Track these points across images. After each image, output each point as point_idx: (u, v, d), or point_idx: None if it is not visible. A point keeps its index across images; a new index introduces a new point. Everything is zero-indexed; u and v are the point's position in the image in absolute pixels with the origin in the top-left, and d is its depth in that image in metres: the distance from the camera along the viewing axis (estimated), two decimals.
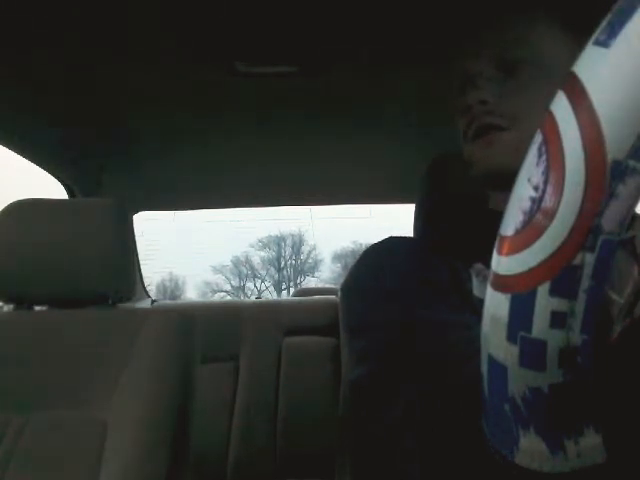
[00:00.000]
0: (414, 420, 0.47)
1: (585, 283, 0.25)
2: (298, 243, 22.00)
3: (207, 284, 21.18)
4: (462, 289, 0.53)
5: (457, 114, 0.60)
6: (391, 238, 0.66)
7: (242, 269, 21.70)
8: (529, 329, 0.26)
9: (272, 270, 21.78)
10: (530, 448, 0.29)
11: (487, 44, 0.57)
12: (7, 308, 1.08)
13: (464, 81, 0.59)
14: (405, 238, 0.67)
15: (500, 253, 0.28)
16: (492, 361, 0.29)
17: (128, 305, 1.24)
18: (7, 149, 1.20)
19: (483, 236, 0.40)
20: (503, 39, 0.57)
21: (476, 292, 0.52)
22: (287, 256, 22.01)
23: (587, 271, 0.25)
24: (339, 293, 1.51)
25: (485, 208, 0.64)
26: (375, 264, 0.60)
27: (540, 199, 0.25)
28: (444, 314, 0.50)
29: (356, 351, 0.57)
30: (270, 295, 20.28)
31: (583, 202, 0.24)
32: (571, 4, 0.57)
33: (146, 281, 2.17)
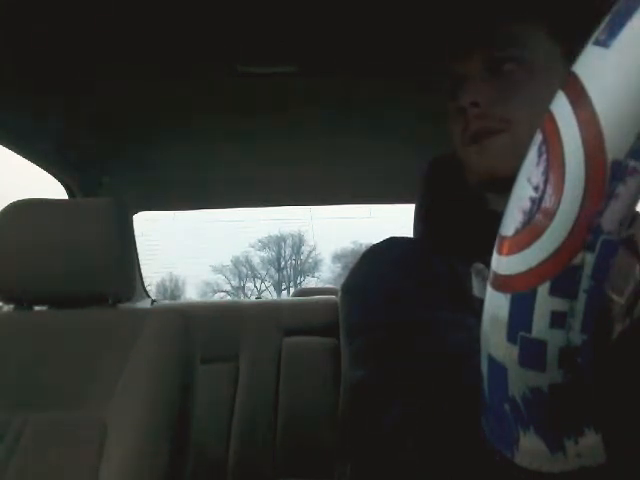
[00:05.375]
0: (413, 421, 0.47)
1: (585, 283, 0.25)
2: (298, 243, 22.00)
3: (207, 284, 21.19)
4: (462, 289, 0.53)
5: (450, 116, 0.60)
6: (391, 239, 0.65)
7: (242, 269, 21.71)
8: (529, 329, 0.26)
9: (272, 270, 21.79)
10: (530, 448, 0.29)
11: (475, 44, 0.57)
12: (7, 308, 1.09)
13: (455, 83, 0.59)
14: (405, 238, 0.67)
15: (500, 253, 0.28)
16: (492, 361, 0.29)
17: (128, 305, 1.24)
18: (7, 149, 1.20)
19: (483, 236, 0.40)
20: (491, 39, 0.56)
21: (476, 292, 0.52)
22: (287, 256, 22.01)
23: (587, 271, 0.25)
24: (339, 293, 1.51)
25: (485, 209, 0.64)
26: (375, 265, 0.60)
27: (540, 199, 0.25)
28: (444, 314, 0.50)
29: (355, 352, 0.57)
30: (270, 295, 20.27)
31: (583, 202, 0.24)
32: (555, 8, 0.56)
33: (146, 281, 2.17)
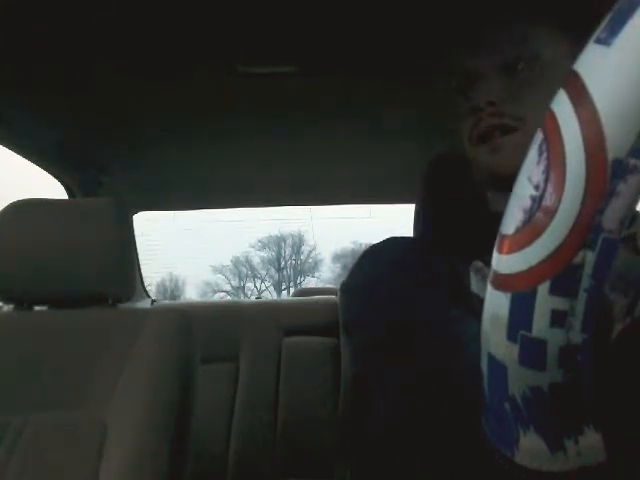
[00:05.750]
0: (413, 421, 0.47)
1: (586, 282, 0.25)
2: (298, 243, 22.01)
3: (207, 284, 21.20)
4: (462, 288, 0.53)
5: (461, 115, 0.60)
6: (391, 239, 0.65)
7: (242, 269, 21.72)
8: (529, 328, 0.26)
9: (272, 270, 21.79)
10: (530, 447, 0.29)
11: (489, 44, 0.57)
12: (7, 308, 1.08)
13: (466, 81, 0.59)
14: (405, 238, 0.67)
15: (500, 252, 0.28)
16: (492, 360, 0.29)
17: (128, 305, 1.24)
18: (7, 149, 1.20)
19: (483, 236, 0.40)
20: (505, 38, 0.56)
21: (474, 289, 0.52)
22: (287, 256, 22.02)
23: (588, 270, 0.25)
24: (339, 293, 1.51)
25: (485, 209, 0.64)
26: (375, 265, 0.60)
27: (541, 198, 0.25)
28: (443, 315, 0.50)
29: (354, 351, 0.57)
30: (270, 295, 20.27)
31: (584, 201, 0.24)
32: (567, 6, 0.57)
33: (146, 281, 2.17)
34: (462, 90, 0.59)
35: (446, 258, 0.57)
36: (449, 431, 0.43)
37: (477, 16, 0.60)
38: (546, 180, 0.25)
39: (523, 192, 0.26)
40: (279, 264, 21.83)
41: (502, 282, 0.27)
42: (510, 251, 0.27)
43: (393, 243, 0.64)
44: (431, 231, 0.71)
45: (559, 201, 0.24)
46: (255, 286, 21.41)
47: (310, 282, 21.18)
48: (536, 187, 0.26)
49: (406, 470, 0.48)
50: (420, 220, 0.78)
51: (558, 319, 0.26)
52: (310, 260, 22.04)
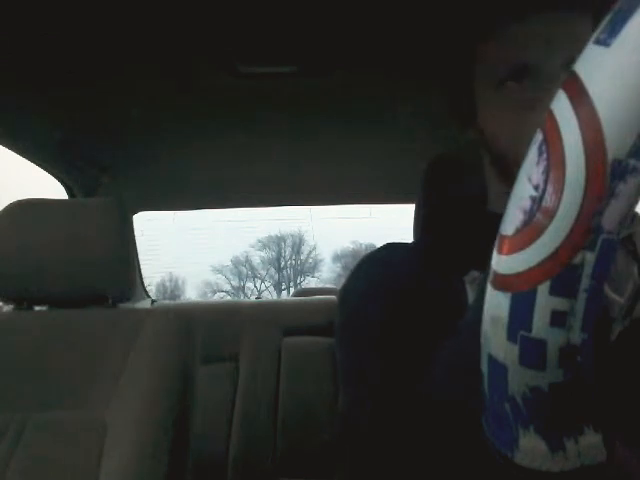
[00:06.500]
0: (413, 421, 0.47)
1: (585, 282, 0.25)
2: (298, 243, 22.03)
3: (207, 284, 21.22)
4: (459, 305, 0.53)
5: (507, 106, 0.56)
6: (388, 247, 0.65)
7: (242, 269, 21.74)
8: (529, 328, 0.26)
9: (272, 270, 21.80)
10: (530, 447, 0.29)
11: (558, 41, 0.54)
12: (7, 308, 1.08)
13: (517, 77, 0.55)
14: (402, 247, 0.66)
15: (500, 252, 0.28)
16: (492, 361, 0.29)
17: (128, 305, 1.24)
18: (7, 149, 1.20)
19: (481, 240, 0.40)
20: (568, 38, 0.54)
21: (471, 302, 0.52)
22: (287, 256, 22.04)
23: (587, 270, 0.25)
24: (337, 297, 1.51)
25: (484, 210, 0.63)
26: (370, 280, 0.60)
27: (540, 198, 0.25)
28: (437, 337, 0.50)
29: (350, 370, 0.57)
30: (270, 295, 20.29)
31: (583, 201, 0.24)
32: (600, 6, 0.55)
33: (146, 281, 2.17)
34: (507, 83, 0.55)
35: (442, 269, 0.56)
36: (448, 431, 0.43)
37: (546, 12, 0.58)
38: (546, 181, 0.25)
39: (523, 192, 0.27)
40: (279, 264, 21.85)
41: (502, 282, 0.28)
42: (510, 252, 0.27)
43: (390, 254, 0.63)
44: (430, 232, 0.71)
45: (559, 202, 0.24)
46: (255, 286, 21.45)
47: (310, 282, 21.22)
48: (536, 188, 0.26)
49: (405, 471, 0.48)
50: (420, 221, 0.78)
51: (558, 319, 0.26)
52: (310, 260, 22.07)
